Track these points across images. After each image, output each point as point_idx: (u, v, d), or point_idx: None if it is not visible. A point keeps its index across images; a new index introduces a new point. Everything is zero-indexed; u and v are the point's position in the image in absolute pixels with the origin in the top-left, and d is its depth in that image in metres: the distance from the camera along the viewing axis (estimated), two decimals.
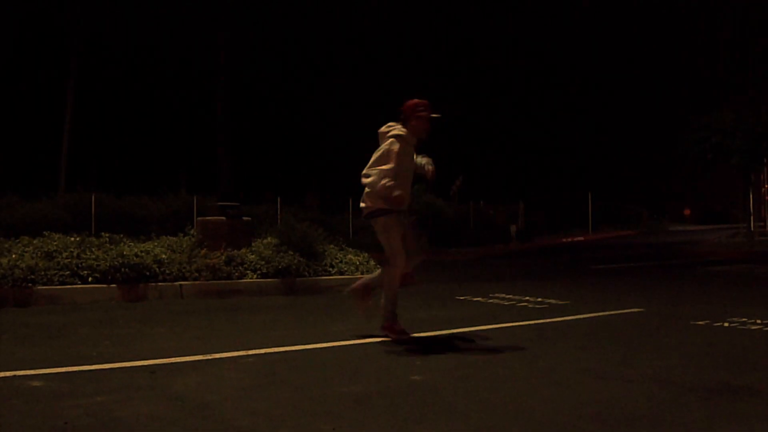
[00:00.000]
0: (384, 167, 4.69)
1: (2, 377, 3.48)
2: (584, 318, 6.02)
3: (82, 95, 26.29)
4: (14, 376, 3.51)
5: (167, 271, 7.33)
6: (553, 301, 7.27)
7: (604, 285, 9.62)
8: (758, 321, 5.63)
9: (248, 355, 4.14)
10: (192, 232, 8.82)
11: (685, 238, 26.48)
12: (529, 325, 5.58)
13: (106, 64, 28.10)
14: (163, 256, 7.56)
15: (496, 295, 7.90)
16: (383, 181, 4.62)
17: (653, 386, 3.38)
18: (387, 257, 4.87)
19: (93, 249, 7.46)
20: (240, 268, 7.87)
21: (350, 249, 9.52)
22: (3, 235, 9.87)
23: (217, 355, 4.10)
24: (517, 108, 38.26)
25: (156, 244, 8.27)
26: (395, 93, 12.42)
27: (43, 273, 6.69)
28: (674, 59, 45.39)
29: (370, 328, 4.99)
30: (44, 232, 8.24)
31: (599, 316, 6.13)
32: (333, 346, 4.51)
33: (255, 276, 7.89)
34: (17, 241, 7.85)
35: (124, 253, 7.36)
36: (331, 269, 8.57)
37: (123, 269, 6.99)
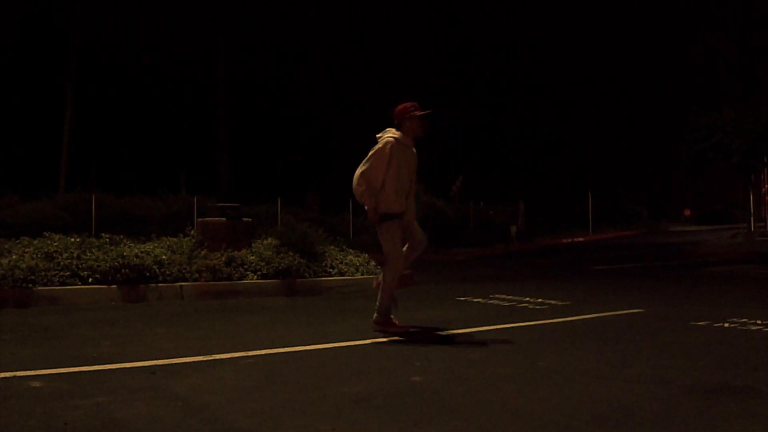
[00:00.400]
0: (358, 169, 4.89)
1: (2, 377, 3.48)
2: (585, 318, 6.03)
3: (82, 95, 26.26)
4: (14, 376, 3.51)
5: (167, 272, 7.34)
6: (553, 301, 7.27)
7: (604, 285, 9.62)
8: (758, 321, 5.63)
9: (248, 356, 4.14)
10: (192, 232, 8.81)
11: (685, 238, 26.48)
12: (530, 325, 5.59)
13: (106, 64, 28.07)
14: (164, 256, 7.56)
15: (497, 295, 7.90)
16: (355, 184, 4.87)
17: (653, 386, 3.38)
18: (386, 258, 4.95)
19: (93, 250, 7.45)
20: (240, 269, 7.87)
21: (350, 250, 9.52)
22: (3, 236, 9.86)
23: (218, 356, 4.10)
24: (517, 108, 38.24)
25: (156, 244, 8.26)
26: (395, 93, 12.42)
27: (43, 274, 6.69)
28: (674, 59, 45.34)
29: (370, 329, 5.00)
30: (44, 233, 8.21)
31: (600, 316, 6.14)
32: (333, 347, 4.52)
33: (255, 277, 7.89)
34: (17, 241, 7.84)
35: (125, 253, 7.35)
36: (331, 270, 8.57)
37: (123, 270, 7.00)
